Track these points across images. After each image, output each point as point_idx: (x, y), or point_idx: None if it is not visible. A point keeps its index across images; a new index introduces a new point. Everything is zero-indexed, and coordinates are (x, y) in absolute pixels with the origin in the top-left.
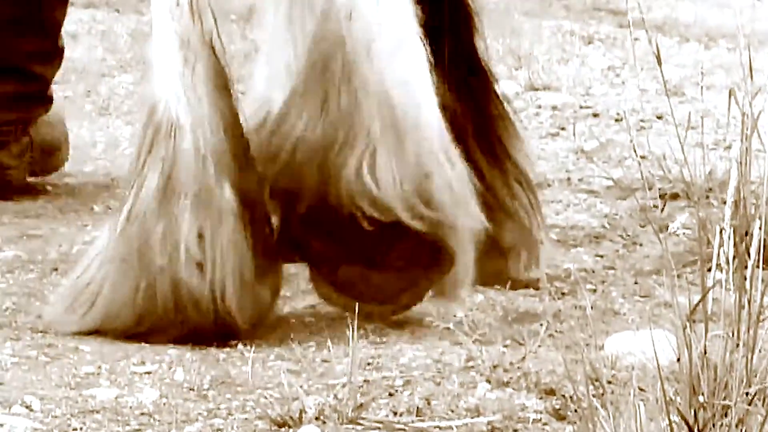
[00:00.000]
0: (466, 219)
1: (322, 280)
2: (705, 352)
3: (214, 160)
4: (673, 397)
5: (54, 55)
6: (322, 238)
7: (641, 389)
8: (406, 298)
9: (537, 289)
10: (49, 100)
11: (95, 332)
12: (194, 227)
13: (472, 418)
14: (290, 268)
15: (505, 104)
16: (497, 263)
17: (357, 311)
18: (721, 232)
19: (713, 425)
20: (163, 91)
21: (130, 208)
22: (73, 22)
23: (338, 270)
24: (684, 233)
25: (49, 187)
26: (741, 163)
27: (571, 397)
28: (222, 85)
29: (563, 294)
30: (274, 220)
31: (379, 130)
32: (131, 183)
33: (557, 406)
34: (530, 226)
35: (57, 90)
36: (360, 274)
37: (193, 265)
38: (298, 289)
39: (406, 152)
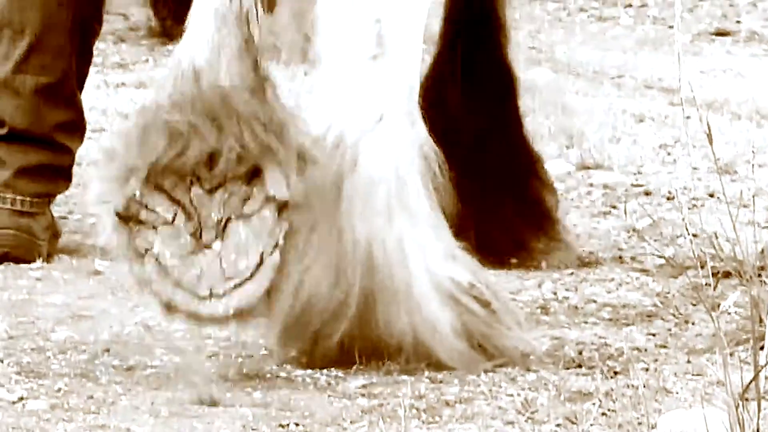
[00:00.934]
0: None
1: None
2: (758, 431)
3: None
4: None
5: (79, 126)
6: None
7: None
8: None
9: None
10: (71, 177)
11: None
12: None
13: None
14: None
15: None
16: None
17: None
18: None
19: None
20: (195, 56)
21: None
22: (124, 102)
23: None
24: (736, 312)
25: (99, 268)
26: None
27: None
28: (252, 59)
29: (615, 373)
30: None
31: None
32: None
33: None
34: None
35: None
36: None
37: None
38: (350, 369)
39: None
